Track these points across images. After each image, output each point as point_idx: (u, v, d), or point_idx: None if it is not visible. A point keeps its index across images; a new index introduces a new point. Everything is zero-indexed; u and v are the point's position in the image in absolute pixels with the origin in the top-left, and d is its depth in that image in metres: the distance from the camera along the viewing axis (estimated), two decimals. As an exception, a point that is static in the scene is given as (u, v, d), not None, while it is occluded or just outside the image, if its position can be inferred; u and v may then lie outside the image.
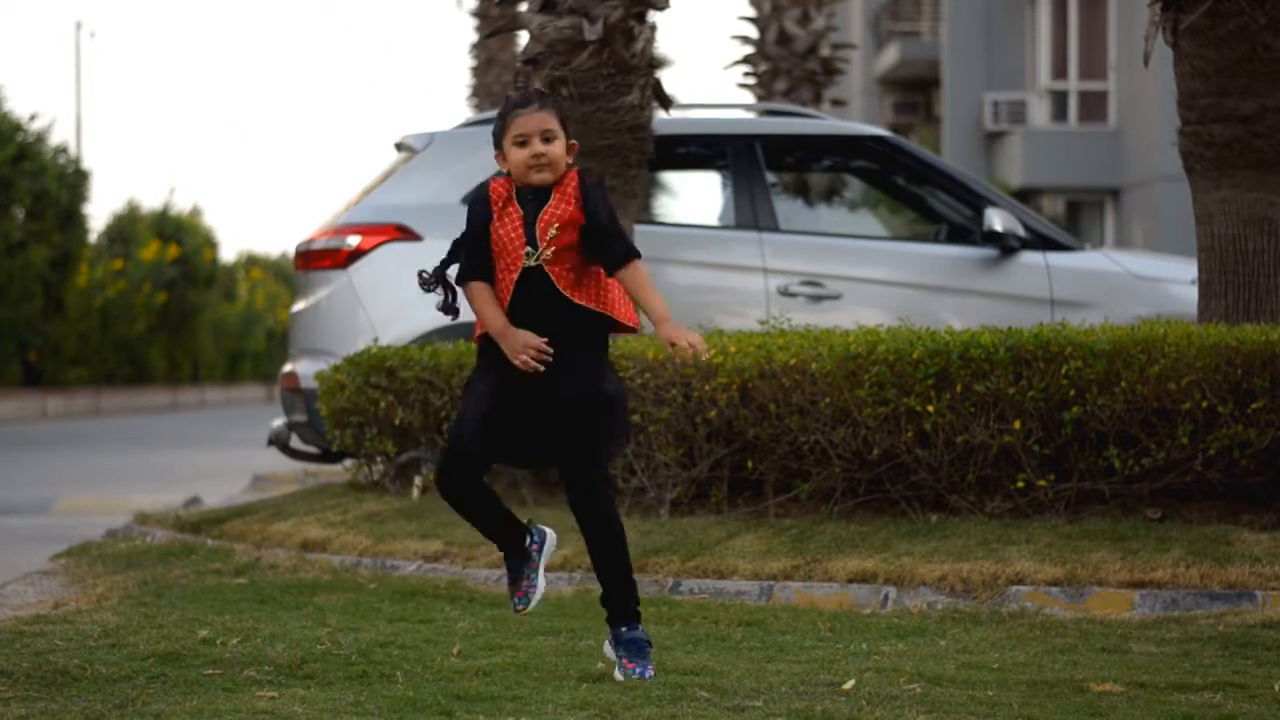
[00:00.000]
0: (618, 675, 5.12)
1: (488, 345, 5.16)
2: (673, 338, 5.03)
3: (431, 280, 5.24)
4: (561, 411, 5.10)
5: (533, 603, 5.31)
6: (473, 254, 5.16)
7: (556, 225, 5.06)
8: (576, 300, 5.08)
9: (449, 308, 5.24)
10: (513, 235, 5.08)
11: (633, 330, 5.18)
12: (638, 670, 5.09)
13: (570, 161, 5.17)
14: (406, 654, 5.54)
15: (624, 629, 5.17)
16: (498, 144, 5.18)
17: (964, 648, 5.73)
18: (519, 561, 5.33)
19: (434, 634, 5.95)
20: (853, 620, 6.29)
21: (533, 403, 5.10)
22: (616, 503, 5.26)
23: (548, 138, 5.11)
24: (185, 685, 5.01)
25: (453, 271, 5.24)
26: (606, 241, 5.10)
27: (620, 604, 5.18)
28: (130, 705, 4.71)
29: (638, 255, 5.11)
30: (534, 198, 5.11)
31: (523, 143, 5.10)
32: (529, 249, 5.05)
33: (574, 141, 5.20)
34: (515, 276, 5.08)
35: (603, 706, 4.70)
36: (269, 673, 5.20)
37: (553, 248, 5.06)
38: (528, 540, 5.33)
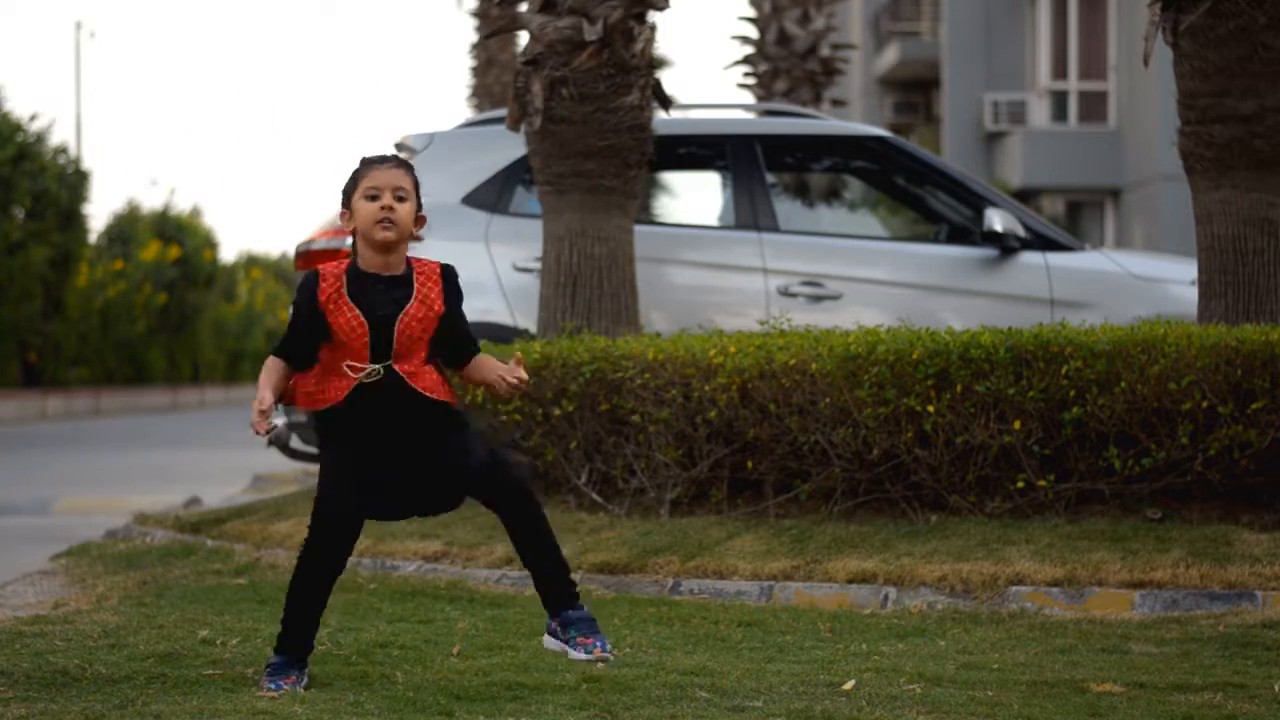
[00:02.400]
0: (576, 655, 4.97)
1: (327, 422, 5.01)
2: (500, 373, 4.99)
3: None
4: (426, 475, 5.01)
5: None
6: (293, 336, 5.02)
7: (414, 329, 4.94)
8: (423, 391, 4.95)
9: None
10: (355, 334, 4.92)
11: (457, 410, 5.06)
12: (597, 643, 4.96)
13: (417, 232, 5.02)
14: (406, 654, 5.54)
15: (570, 611, 5.04)
16: (346, 201, 5.02)
17: (964, 648, 5.74)
18: (290, 660, 5.03)
19: (434, 634, 5.95)
20: (853, 620, 6.29)
21: (396, 466, 4.99)
22: (529, 483, 5.12)
23: (400, 196, 4.97)
24: (185, 685, 5.01)
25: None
26: (460, 340, 5.04)
27: (559, 588, 5.05)
28: (130, 705, 4.71)
29: (478, 349, 5.09)
30: (385, 289, 4.96)
31: (373, 196, 4.95)
32: (374, 367, 4.91)
33: (423, 215, 5.05)
34: (360, 374, 4.93)
35: (603, 706, 4.70)
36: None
37: (401, 348, 4.93)
38: (305, 661, 5.08)
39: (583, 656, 4.98)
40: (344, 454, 4.99)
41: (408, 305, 4.96)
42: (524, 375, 5.01)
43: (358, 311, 4.93)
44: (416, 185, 5.05)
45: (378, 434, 4.98)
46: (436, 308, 4.99)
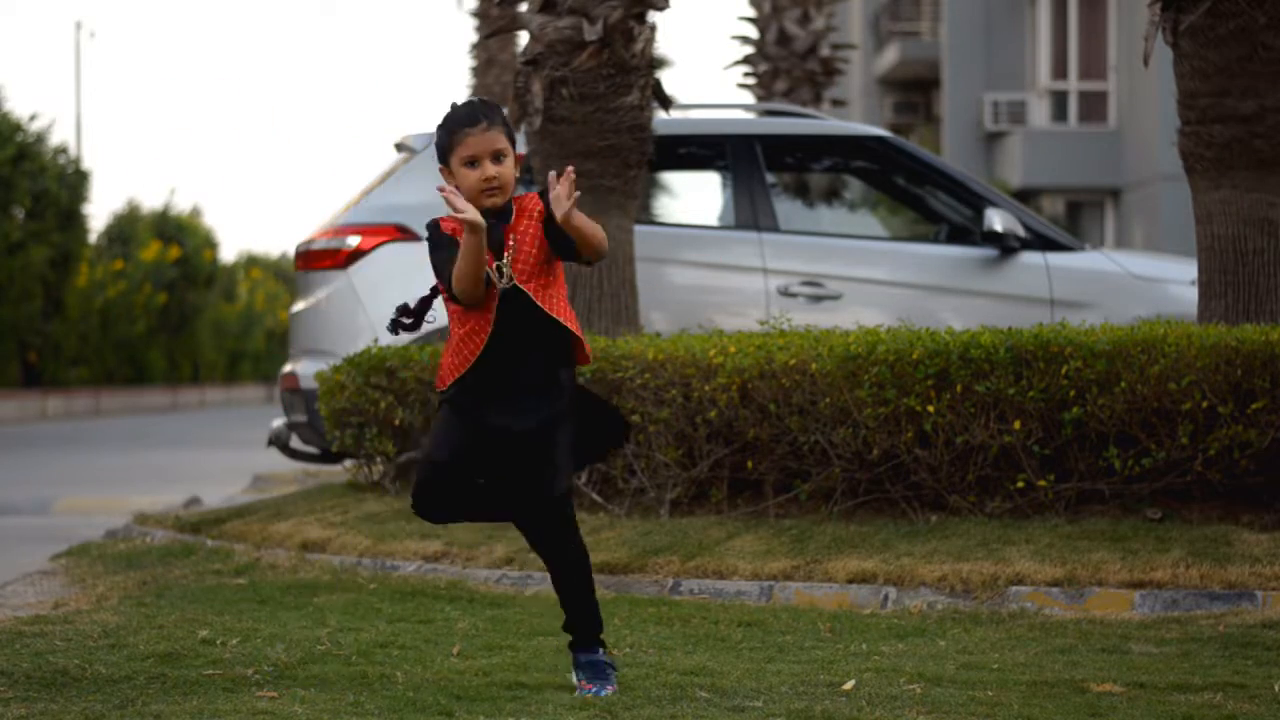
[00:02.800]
0: (578, 691, 4.95)
1: (458, 396, 4.97)
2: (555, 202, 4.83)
3: (410, 319, 5.06)
4: (521, 442, 4.93)
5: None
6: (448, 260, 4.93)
7: (527, 245, 4.89)
8: (556, 316, 4.90)
9: (413, 323, 5.08)
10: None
11: (585, 361, 5.01)
12: (594, 689, 4.90)
13: (518, 174, 4.97)
14: (406, 654, 5.54)
15: (582, 654, 5.01)
16: (443, 159, 4.95)
17: (964, 648, 5.74)
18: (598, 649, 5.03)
19: (434, 634, 5.95)
20: (853, 620, 6.29)
21: (497, 441, 4.92)
22: (576, 524, 5.02)
23: (499, 158, 4.90)
24: (185, 685, 5.01)
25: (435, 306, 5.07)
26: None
27: (582, 627, 5.03)
28: (130, 705, 4.71)
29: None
30: (494, 220, 4.90)
31: (472, 164, 4.89)
32: (499, 264, 4.84)
33: (520, 153, 4.97)
34: (495, 301, 4.87)
35: (603, 706, 4.70)
36: (269, 673, 5.20)
37: (522, 265, 4.88)
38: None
39: (576, 694, 4.94)
40: (458, 424, 4.93)
41: (509, 224, 4.89)
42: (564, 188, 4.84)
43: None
44: (510, 132, 4.94)
45: (502, 391, 4.89)
46: (539, 218, 4.90)
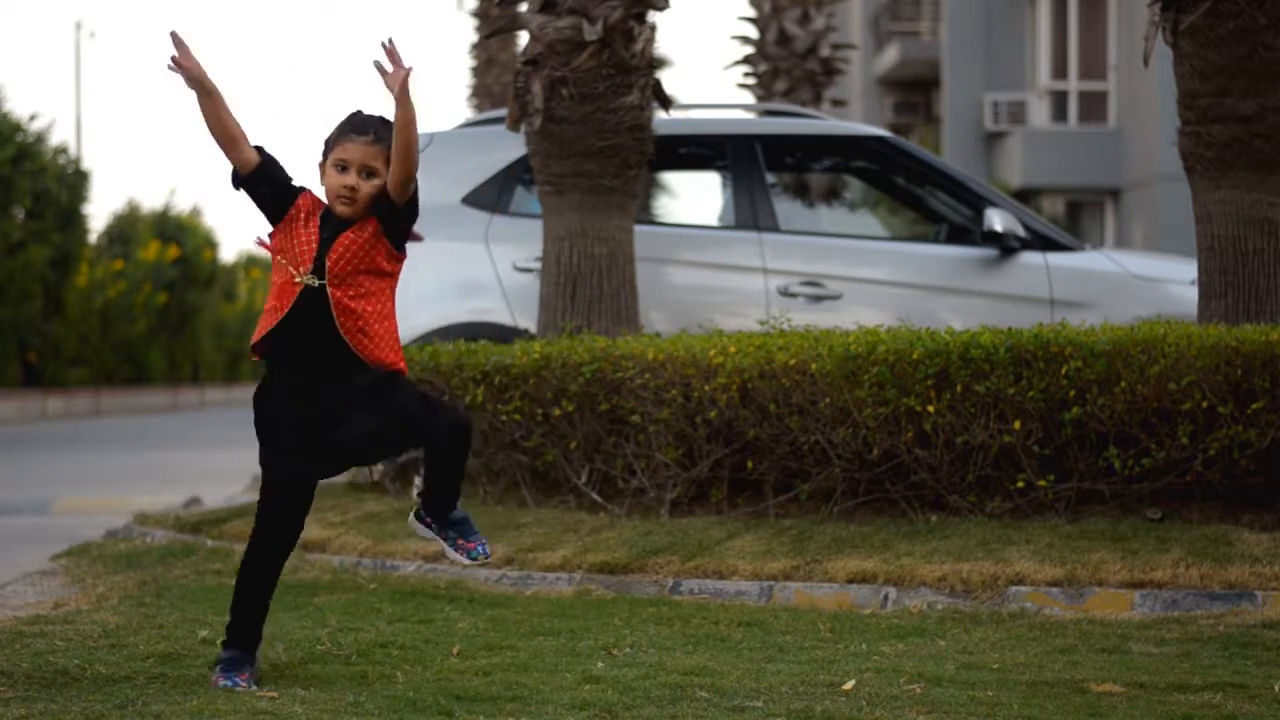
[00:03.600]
0: (458, 558, 5.14)
1: (264, 379, 5.14)
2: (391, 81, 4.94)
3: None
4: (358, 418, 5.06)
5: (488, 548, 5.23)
6: (271, 168, 5.10)
7: (349, 249, 4.99)
8: (346, 339, 4.99)
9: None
10: (303, 248, 5.01)
11: (400, 372, 5.10)
12: (480, 549, 5.14)
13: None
14: (406, 654, 5.54)
15: (453, 514, 5.19)
16: (324, 154, 5.09)
17: (964, 648, 5.73)
18: (241, 656, 5.10)
19: (434, 634, 5.95)
20: (853, 620, 6.29)
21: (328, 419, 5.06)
22: (467, 418, 5.19)
23: (369, 173, 5.02)
24: (185, 685, 5.01)
25: None
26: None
27: (446, 502, 5.19)
28: (130, 705, 4.71)
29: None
30: (335, 223, 5.03)
31: (341, 168, 5.03)
32: (308, 273, 4.97)
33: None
34: (294, 293, 4.99)
35: (603, 706, 4.70)
36: (269, 673, 5.20)
37: (337, 266, 4.98)
38: (255, 655, 5.16)
39: (466, 560, 5.15)
40: (278, 419, 5.07)
41: (348, 229, 5.02)
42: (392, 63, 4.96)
43: (316, 231, 5.01)
44: (388, 155, 5.01)
45: (310, 379, 5.03)
46: (371, 229, 5.03)
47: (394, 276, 5.12)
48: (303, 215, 5.06)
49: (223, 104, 5.07)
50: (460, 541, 5.18)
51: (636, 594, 6.94)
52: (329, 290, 4.98)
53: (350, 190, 5.00)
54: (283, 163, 5.15)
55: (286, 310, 5.00)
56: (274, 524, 5.13)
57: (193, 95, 5.07)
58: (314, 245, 5.00)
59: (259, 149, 5.11)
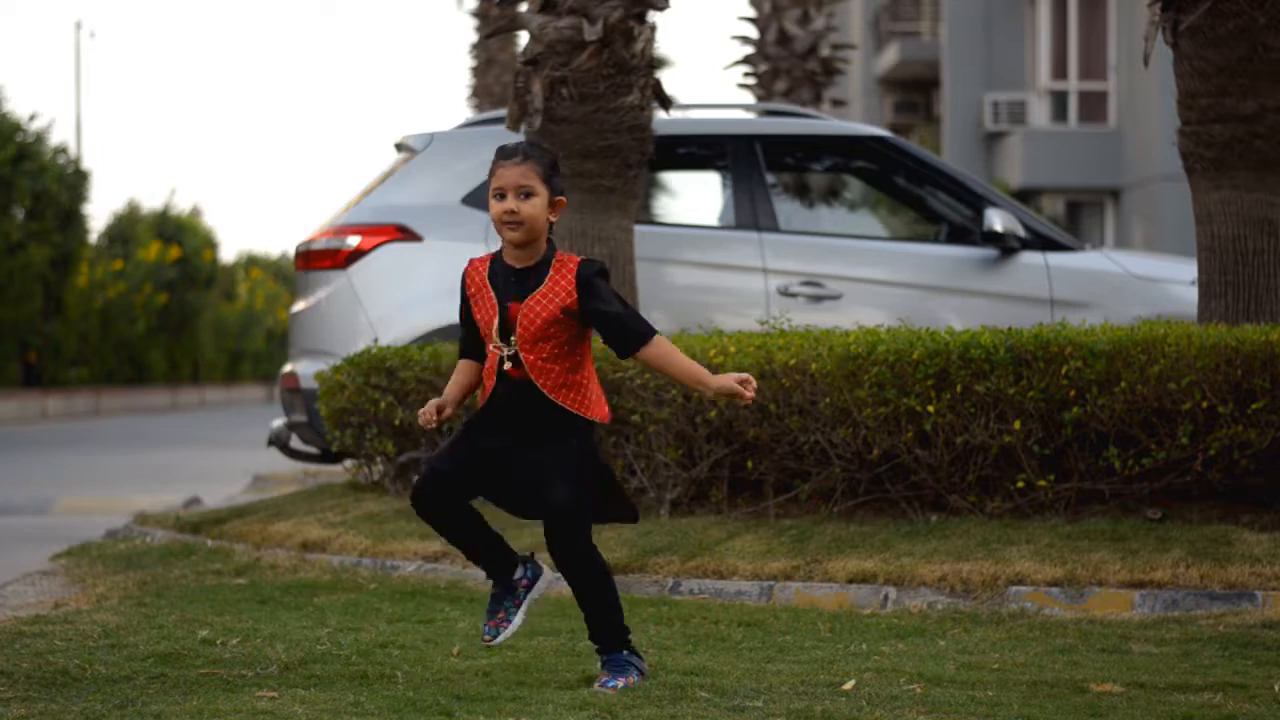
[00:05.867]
0: (597, 687, 5.03)
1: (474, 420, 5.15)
2: (726, 389, 4.94)
3: None
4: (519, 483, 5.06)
5: (502, 638, 5.15)
6: (463, 330, 5.16)
7: (539, 311, 4.98)
8: (551, 398, 4.97)
9: None
10: (487, 319, 5.03)
11: (602, 421, 5.08)
12: (609, 682, 4.99)
13: (553, 219, 5.05)
14: (406, 654, 5.54)
15: (607, 656, 5.09)
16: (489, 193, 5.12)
17: (964, 648, 5.73)
18: (503, 591, 5.21)
19: (434, 634, 5.95)
20: (853, 620, 6.29)
21: (500, 463, 5.04)
22: (587, 541, 5.05)
23: (526, 193, 5.01)
24: (185, 685, 5.01)
25: None
26: (622, 327, 5.01)
27: (606, 634, 5.09)
28: (130, 705, 4.71)
29: (655, 332, 5.03)
30: (515, 281, 5.02)
31: (500, 196, 5.03)
32: (499, 342, 5.00)
33: (561, 198, 5.07)
34: (494, 364, 5.03)
35: (603, 706, 4.70)
36: (269, 673, 5.20)
37: (525, 330, 4.98)
38: (519, 573, 5.21)
39: (598, 689, 5.00)
40: (466, 432, 5.09)
41: (534, 292, 4.99)
42: (752, 385, 4.97)
43: (493, 295, 5.02)
44: (547, 174, 5.04)
45: (502, 427, 5.02)
46: (566, 299, 4.98)
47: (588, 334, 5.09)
48: (474, 291, 5.08)
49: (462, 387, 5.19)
50: (602, 676, 5.06)
51: (636, 594, 6.94)
52: (521, 356, 4.98)
53: (512, 214, 4.99)
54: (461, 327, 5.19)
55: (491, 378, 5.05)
56: (424, 507, 5.12)
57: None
58: (493, 311, 5.01)
59: (465, 351, 5.19)
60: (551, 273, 5.01)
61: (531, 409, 4.99)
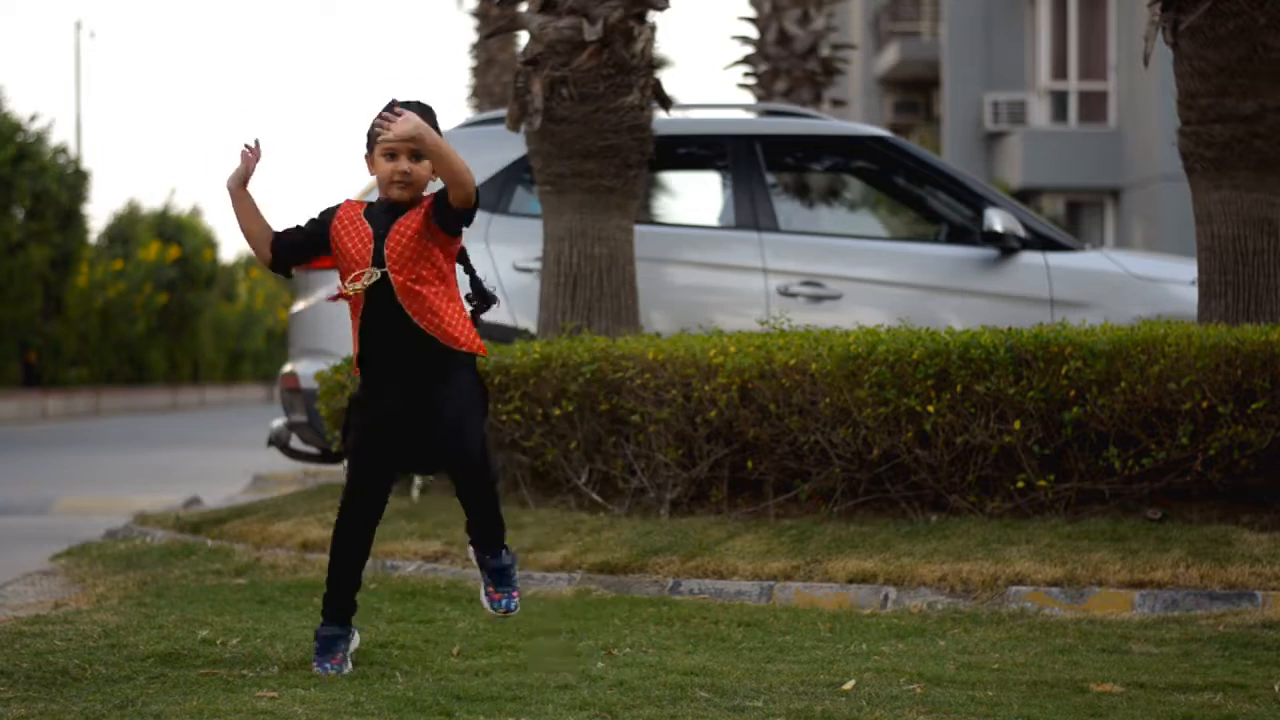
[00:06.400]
0: (485, 604, 5.33)
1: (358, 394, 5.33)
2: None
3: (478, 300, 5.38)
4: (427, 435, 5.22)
5: (344, 670, 5.25)
6: (297, 227, 5.29)
7: (404, 234, 5.14)
8: (417, 321, 5.15)
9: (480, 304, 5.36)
10: (357, 249, 5.17)
11: (480, 354, 5.27)
12: (504, 602, 5.28)
13: (433, 179, 5.21)
14: (406, 654, 5.54)
15: (489, 556, 5.32)
16: (369, 148, 5.24)
17: (964, 648, 5.73)
18: (340, 631, 5.29)
19: (434, 634, 5.95)
20: (853, 620, 6.29)
21: (405, 423, 5.22)
22: (488, 470, 5.28)
23: (416, 156, 5.17)
24: (185, 685, 5.01)
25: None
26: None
27: (492, 533, 5.30)
28: (130, 705, 4.71)
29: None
30: (389, 211, 5.19)
31: (391, 156, 5.18)
32: (372, 270, 5.13)
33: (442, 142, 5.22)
34: (360, 301, 5.18)
35: (603, 706, 4.70)
36: (269, 673, 5.20)
37: (395, 252, 5.13)
38: (350, 627, 5.35)
39: (488, 608, 5.32)
40: (364, 412, 5.29)
41: (402, 217, 5.17)
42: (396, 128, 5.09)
43: (369, 225, 5.18)
44: (435, 127, 5.16)
45: (390, 376, 5.20)
46: (427, 211, 5.17)
47: (451, 263, 5.25)
48: (345, 224, 5.22)
49: (256, 207, 5.28)
50: (490, 589, 5.35)
51: (636, 594, 6.94)
52: (391, 277, 5.12)
53: (403, 175, 5.16)
54: (299, 222, 5.33)
55: (358, 318, 5.17)
56: (351, 505, 5.34)
57: (232, 191, 5.24)
58: (368, 240, 5.15)
59: (274, 234, 5.29)
60: (420, 203, 5.20)
61: (404, 345, 5.15)
